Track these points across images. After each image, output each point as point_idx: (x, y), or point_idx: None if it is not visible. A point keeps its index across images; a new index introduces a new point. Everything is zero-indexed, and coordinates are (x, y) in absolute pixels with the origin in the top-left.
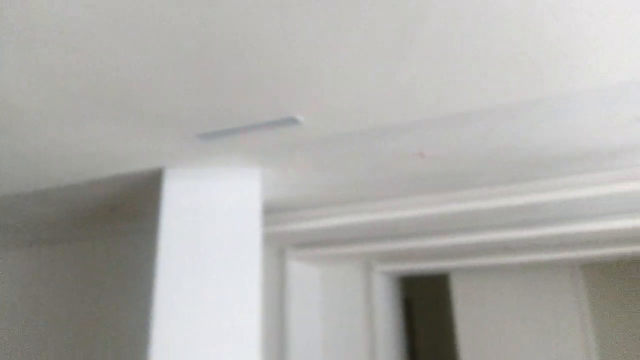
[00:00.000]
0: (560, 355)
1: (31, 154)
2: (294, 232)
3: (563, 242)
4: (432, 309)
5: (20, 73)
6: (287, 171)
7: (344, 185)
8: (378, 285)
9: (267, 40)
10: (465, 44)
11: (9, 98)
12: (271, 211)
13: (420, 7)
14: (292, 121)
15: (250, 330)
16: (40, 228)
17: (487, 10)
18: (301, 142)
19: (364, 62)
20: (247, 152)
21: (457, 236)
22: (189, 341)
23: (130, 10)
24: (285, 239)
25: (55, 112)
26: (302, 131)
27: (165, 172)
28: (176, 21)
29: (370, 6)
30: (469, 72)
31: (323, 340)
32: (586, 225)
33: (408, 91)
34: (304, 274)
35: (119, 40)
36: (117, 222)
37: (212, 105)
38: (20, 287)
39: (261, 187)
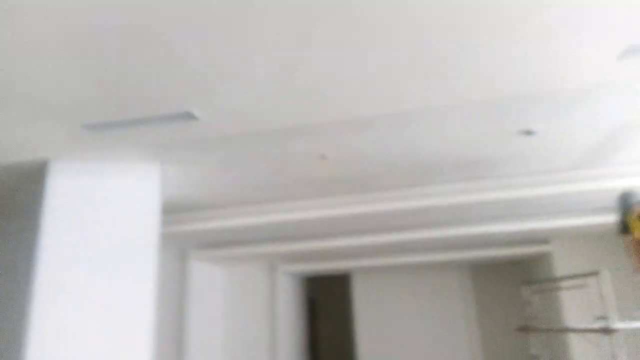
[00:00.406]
0: (449, 346)
1: None
2: (196, 232)
3: (453, 244)
4: (335, 308)
5: None
6: (189, 169)
7: (248, 186)
8: (282, 285)
9: (162, 31)
10: (360, 52)
11: None
12: (173, 210)
13: (316, 12)
14: (188, 116)
15: (142, 333)
16: None
17: (381, 21)
18: (201, 140)
19: (262, 63)
20: (144, 147)
21: (358, 237)
22: (69, 348)
23: None
24: (188, 239)
25: None
26: (201, 128)
27: (49, 165)
28: (65, 4)
29: (266, 7)
30: (364, 79)
31: (224, 340)
32: (473, 228)
33: (307, 95)
34: (206, 274)
35: None
36: None
37: (101, 94)
38: None
39: (160, 185)
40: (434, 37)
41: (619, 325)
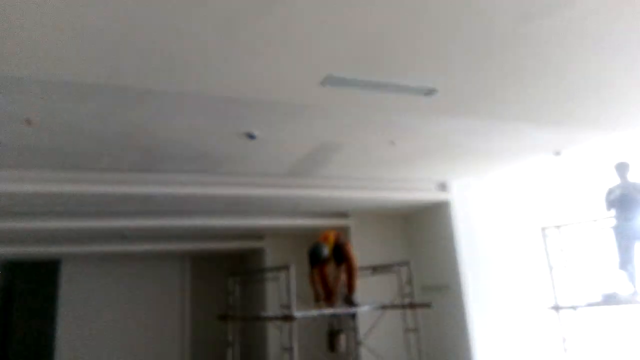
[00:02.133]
0: (162, 334)
1: None
2: None
3: (175, 235)
4: (40, 297)
5: None
6: None
7: None
8: None
9: None
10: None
11: None
12: None
13: None
14: None
15: None
16: None
17: None
18: None
19: None
20: None
21: (70, 220)
22: None
23: None
24: None
25: None
26: None
27: None
28: None
29: None
30: (71, 42)
31: None
32: (196, 220)
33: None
34: None
35: None
36: None
37: None
38: None
39: None
40: (151, 21)
41: (297, 313)
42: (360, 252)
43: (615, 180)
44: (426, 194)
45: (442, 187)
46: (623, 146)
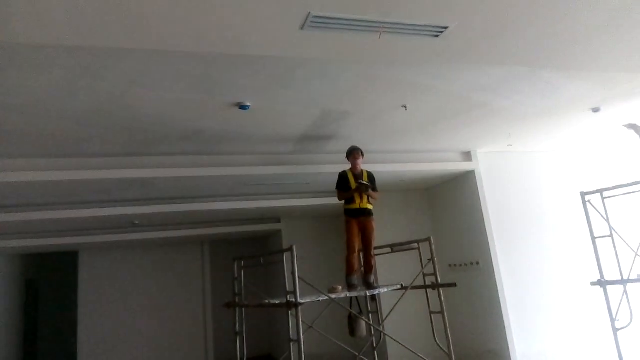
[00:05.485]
0: (183, 322)
1: None
2: None
3: (191, 220)
4: (61, 288)
5: None
6: None
7: None
8: None
9: None
10: None
11: None
12: None
13: None
14: None
15: None
16: None
17: None
18: None
19: None
20: None
21: (81, 210)
22: None
23: None
24: None
25: None
26: None
27: None
28: None
29: None
30: None
31: None
32: (206, 205)
33: None
34: None
35: None
36: None
37: None
38: None
39: None
40: None
41: (302, 300)
42: (382, 230)
43: None
44: (448, 165)
45: (467, 156)
46: None
